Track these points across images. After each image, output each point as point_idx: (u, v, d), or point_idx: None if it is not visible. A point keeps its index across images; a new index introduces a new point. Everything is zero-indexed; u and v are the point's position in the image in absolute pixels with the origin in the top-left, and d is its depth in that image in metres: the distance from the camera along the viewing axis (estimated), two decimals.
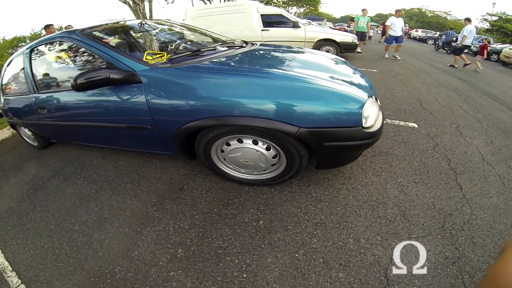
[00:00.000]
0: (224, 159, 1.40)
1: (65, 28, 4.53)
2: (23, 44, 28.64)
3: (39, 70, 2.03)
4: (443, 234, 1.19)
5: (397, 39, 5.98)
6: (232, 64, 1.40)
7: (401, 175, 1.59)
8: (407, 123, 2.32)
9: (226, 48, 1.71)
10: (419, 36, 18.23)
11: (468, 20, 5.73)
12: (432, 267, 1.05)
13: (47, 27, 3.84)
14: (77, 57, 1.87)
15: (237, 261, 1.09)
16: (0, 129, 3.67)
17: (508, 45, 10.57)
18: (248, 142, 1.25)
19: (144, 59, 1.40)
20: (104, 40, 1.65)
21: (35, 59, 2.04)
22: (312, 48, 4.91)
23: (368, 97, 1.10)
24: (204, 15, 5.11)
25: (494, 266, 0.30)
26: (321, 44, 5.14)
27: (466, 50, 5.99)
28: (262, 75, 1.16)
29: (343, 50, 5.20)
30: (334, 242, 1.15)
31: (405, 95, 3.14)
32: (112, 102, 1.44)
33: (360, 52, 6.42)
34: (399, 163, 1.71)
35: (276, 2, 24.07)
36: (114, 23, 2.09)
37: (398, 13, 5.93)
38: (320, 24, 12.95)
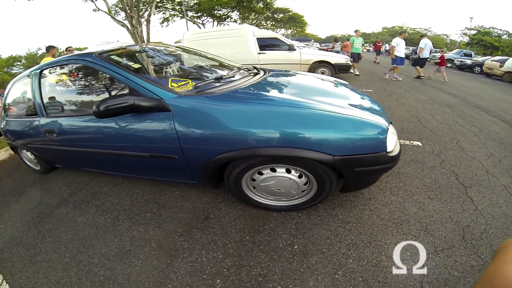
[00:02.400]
0: (254, 188, 1.54)
1: (66, 50, 4.78)
2: (19, 63, 31.21)
3: (49, 93, 2.08)
4: (465, 245, 1.40)
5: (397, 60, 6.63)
6: (260, 92, 1.53)
7: (416, 192, 1.83)
8: (412, 142, 2.65)
9: (246, 75, 1.86)
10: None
11: (423, 36, 7.16)
12: (461, 276, 1.23)
13: (50, 49, 4.07)
14: (93, 82, 1.97)
15: (279, 287, 1.21)
16: None
17: (489, 57, 12.05)
18: (281, 171, 1.39)
19: (169, 86, 1.50)
20: (123, 65, 1.72)
21: (44, 81, 2.10)
22: (308, 70, 5.45)
23: (389, 124, 1.35)
24: (201, 38, 5.64)
25: (490, 267, 0.32)
26: (316, 66, 5.75)
27: (427, 61, 7.23)
28: (296, 105, 1.29)
29: (338, 71, 5.82)
30: (368, 260, 1.31)
31: (404, 114, 3.57)
32: (134, 130, 1.52)
33: (358, 74, 7.13)
34: (412, 181, 1.96)
35: (265, 25, 26.53)
36: (128, 47, 2.20)
37: (402, 34, 6.70)
38: (307, 45, 14.22)
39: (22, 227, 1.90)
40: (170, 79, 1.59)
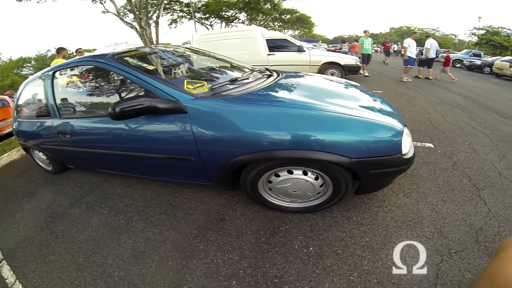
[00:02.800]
0: (271, 189, 1.58)
1: (76, 51, 4.88)
2: (28, 64, 32.51)
3: (62, 94, 2.12)
4: (478, 247, 1.42)
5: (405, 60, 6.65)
6: (276, 95, 1.56)
7: (429, 194, 1.86)
8: (423, 143, 2.67)
9: (259, 77, 1.88)
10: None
11: (428, 36, 7.26)
12: (475, 279, 1.25)
13: (61, 51, 4.19)
14: (106, 83, 2.00)
15: None
16: (9, 150, 3.77)
17: (499, 57, 11.98)
18: (298, 173, 1.43)
19: (185, 88, 1.54)
20: (137, 66, 1.73)
21: (57, 82, 2.13)
22: (317, 72, 5.49)
23: (403, 126, 1.38)
24: (210, 40, 5.74)
25: (491, 266, 0.32)
26: (325, 67, 5.80)
27: (434, 61, 7.32)
28: (313, 108, 1.33)
29: (347, 72, 5.86)
30: (383, 262, 1.35)
31: (415, 115, 3.59)
32: (150, 132, 1.54)
33: (367, 75, 7.15)
34: (425, 183, 1.98)
35: (272, 26, 26.91)
36: (140, 48, 2.21)
37: (414, 35, 6.73)
38: (315, 45, 14.29)
39: (35, 227, 1.96)
40: (185, 81, 1.62)
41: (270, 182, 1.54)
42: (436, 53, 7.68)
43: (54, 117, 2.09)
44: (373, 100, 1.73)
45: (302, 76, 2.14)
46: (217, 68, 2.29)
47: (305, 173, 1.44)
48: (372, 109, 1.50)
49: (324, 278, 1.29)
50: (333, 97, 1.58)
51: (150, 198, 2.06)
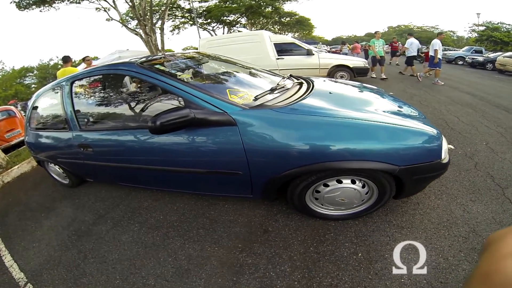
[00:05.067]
0: (317, 199, 1.73)
1: (84, 60, 5.00)
2: (31, 74, 34.32)
3: (83, 105, 2.12)
4: None
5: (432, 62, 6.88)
6: (323, 105, 1.61)
7: (458, 195, 2.09)
8: None
9: (295, 85, 1.97)
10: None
11: (410, 34, 8.30)
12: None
13: (69, 59, 4.34)
14: (135, 93, 2.04)
15: None
16: (19, 162, 3.80)
17: (501, 53, 12.82)
18: (347, 182, 1.57)
19: (229, 98, 1.57)
20: (172, 74, 1.75)
21: (77, 92, 2.13)
22: (327, 75, 5.80)
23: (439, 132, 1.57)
24: (217, 45, 6.05)
25: (482, 263, 0.33)
26: (335, 70, 6.15)
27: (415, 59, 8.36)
28: (364, 118, 1.45)
29: (356, 74, 6.23)
30: (428, 263, 1.55)
31: (430, 116, 3.88)
32: (191, 146, 1.57)
33: (386, 78, 7.56)
34: (453, 184, 2.22)
35: (272, 29, 28.26)
36: (166, 55, 2.20)
37: (440, 36, 6.97)
38: (316, 47, 14.86)
39: (59, 246, 1.96)
40: (227, 90, 1.66)
41: (317, 192, 1.66)
42: (418, 51, 8.59)
43: (74, 130, 2.10)
44: (405, 106, 1.96)
45: (332, 83, 2.30)
46: (247, 75, 2.31)
47: (353, 182, 1.59)
48: (409, 116, 1.71)
49: (377, 282, 1.45)
50: (372, 105, 1.75)
51: (183, 212, 2.13)
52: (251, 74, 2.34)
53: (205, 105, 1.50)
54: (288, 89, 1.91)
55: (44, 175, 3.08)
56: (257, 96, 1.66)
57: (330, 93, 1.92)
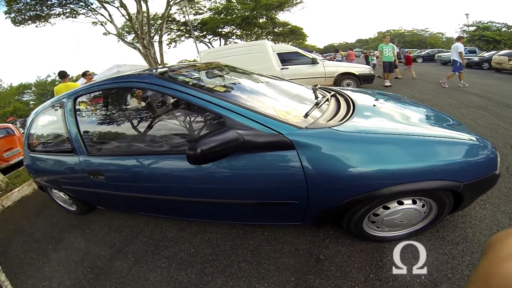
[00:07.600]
0: (373, 222, 1.70)
1: (84, 75, 4.97)
2: (29, 91, 36.72)
3: (90, 125, 1.98)
4: None
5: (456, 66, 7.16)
6: (381, 123, 1.59)
7: (500, 203, 2.21)
8: None
9: (333, 98, 1.94)
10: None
11: (392, 41, 8.82)
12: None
13: (66, 75, 4.40)
14: (154, 110, 1.88)
15: None
16: (19, 183, 3.68)
17: (495, 51, 13.86)
18: (408, 203, 1.55)
19: (278, 115, 1.44)
20: (206, 88, 1.62)
21: (82, 110, 1.99)
22: (333, 83, 6.06)
23: None
24: (218, 56, 6.29)
25: (483, 265, 0.35)
26: (341, 78, 6.45)
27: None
28: (425, 134, 1.45)
29: (362, 82, 6.54)
30: None
31: None
32: (234, 174, 1.46)
33: (390, 85, 7.85)
34: (492, 192, 2.34)
35: (266, 39, 30.50)
36: (184, 66, 2.09)
37: (461, 39, 7.38)
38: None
39: (74, 287, 1.84)
40: (273, 107, 1.55)
41: (375, 215, 1.63)
42: (398, 55, 9.42)
43: (80, 154, 1.94)
44: (446, 116, 2.07)
45: (363, 94, 2.34)
46: (279, 88, 2.22)
47: (413, 202, 1.58)
48: (451, 125, 1.82)
49: None
50: (415, 117, 1.82)
51: (217, 243, 2.04)
52: (280, 86, 2.24)
53: (254, 125, 1.37)
54: (328, 103, 1.86)
55: (47, 199, 2.92)
56: (307, 112, 1.57)
57: (374, 105, 1.90)
